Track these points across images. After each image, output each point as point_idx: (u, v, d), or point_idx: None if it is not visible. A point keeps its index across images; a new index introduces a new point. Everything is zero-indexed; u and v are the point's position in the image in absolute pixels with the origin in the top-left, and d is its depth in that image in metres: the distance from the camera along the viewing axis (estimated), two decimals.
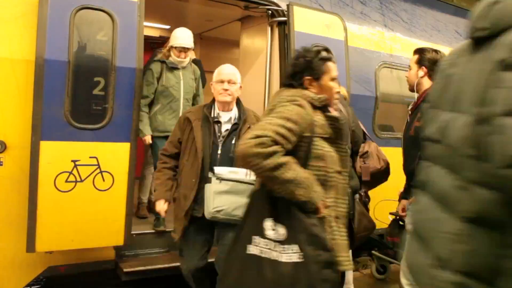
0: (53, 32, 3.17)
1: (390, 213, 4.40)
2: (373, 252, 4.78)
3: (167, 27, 6.80)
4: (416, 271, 1.48)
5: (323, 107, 2.22)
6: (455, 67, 1.40)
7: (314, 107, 2.20)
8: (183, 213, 2.91)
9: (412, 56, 3.20)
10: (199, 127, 2.95)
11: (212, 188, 2.75)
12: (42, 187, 3.18)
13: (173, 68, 4.24)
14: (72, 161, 3.27)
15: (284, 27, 4.40)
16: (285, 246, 2.05)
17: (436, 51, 3.11)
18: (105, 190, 3.41)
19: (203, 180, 2.84)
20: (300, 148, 2.14)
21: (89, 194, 3.35)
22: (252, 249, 2.10)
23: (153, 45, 6.98)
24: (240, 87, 3.17)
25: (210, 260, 3.12)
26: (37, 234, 3.19)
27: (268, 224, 2.10)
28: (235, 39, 6.25)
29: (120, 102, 3.43)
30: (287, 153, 2.04)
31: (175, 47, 4.23)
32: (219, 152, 2.91)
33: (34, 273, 3.45)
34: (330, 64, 2.33)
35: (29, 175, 3.17)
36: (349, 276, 3.85)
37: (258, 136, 1.97)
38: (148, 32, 6.15)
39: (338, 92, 2.42)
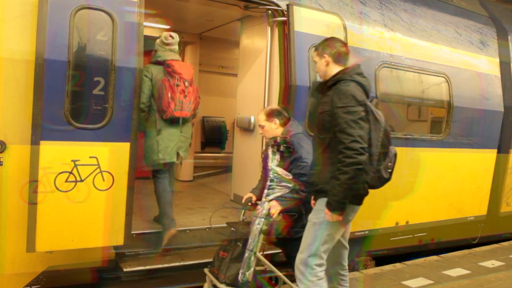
0: (53, 32, 3.17)
1: (228, 223, 3.72)
2: (205, 270, 3.54)
3: (167, 27, 6.80)
4: None
5: None
6: None
7: None
8: None
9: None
10: None
11: None
12: (42, 187, 3.19)
13: None
14: (72, 161, 3.28)
15: (284, 27, 4.41)
16: None
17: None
18: (105, 190, 3.41)
19: None
20: None
21: (89, 194, 3.36)
22: None
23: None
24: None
25: None
26: (37, 234, 3.19)
27: None
28: (235, 39, 6.26)
29: (120, 102, 3.43)
30: None
31: None
32: None
33: (34, 273, 3.45)
34: None
35: (29, 175, 3.18)
36: None
37: None
38: (148, 32, 6.15)
39: None
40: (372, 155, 2.82)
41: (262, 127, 3.72)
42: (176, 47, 4.46)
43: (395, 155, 3.03)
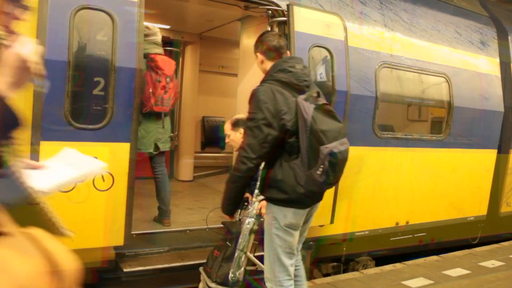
0: (53, 32, 3.17)
1: (223, 223, 3.85)
2: (200, 269, 3.63)
3: (167, 27, 6.80)
4: None
5: None
6: None
7: None
8: None
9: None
10: None
11: None
12: None
13: None
14: None
15: (284, 27, 4.40)
16: None
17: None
18: (105, 191, 3.41)
19: None
20: None
21: (89, 194, 3.35)
22: None
23: None
24: None
25: None
26: None
27: None
28: (235, 39, 6.26)
29: (120, 102, 3.43)
30: None
31: None
32: None
33: None
34: None
35: None
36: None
37: None
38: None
39: None
40: (302, 157, 2.60)
41: (228, 136, 3.68)
42: (157, 38, 4.48)
43: (330, 154, 2.51)
